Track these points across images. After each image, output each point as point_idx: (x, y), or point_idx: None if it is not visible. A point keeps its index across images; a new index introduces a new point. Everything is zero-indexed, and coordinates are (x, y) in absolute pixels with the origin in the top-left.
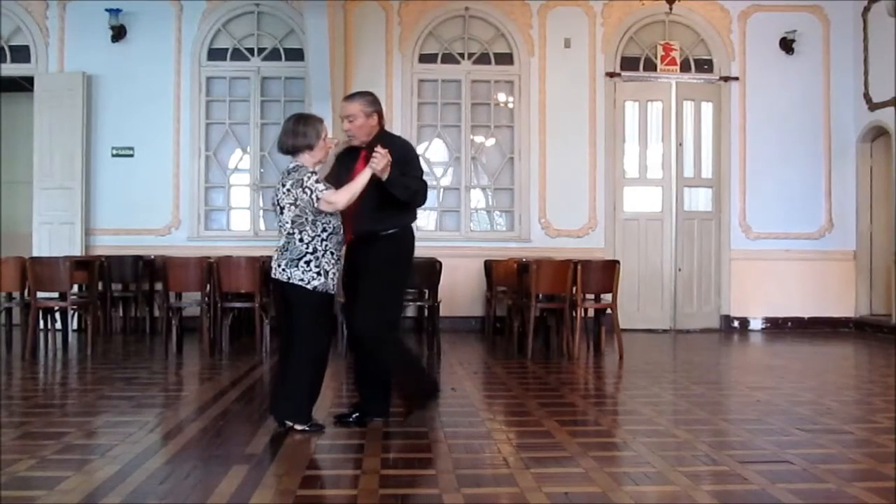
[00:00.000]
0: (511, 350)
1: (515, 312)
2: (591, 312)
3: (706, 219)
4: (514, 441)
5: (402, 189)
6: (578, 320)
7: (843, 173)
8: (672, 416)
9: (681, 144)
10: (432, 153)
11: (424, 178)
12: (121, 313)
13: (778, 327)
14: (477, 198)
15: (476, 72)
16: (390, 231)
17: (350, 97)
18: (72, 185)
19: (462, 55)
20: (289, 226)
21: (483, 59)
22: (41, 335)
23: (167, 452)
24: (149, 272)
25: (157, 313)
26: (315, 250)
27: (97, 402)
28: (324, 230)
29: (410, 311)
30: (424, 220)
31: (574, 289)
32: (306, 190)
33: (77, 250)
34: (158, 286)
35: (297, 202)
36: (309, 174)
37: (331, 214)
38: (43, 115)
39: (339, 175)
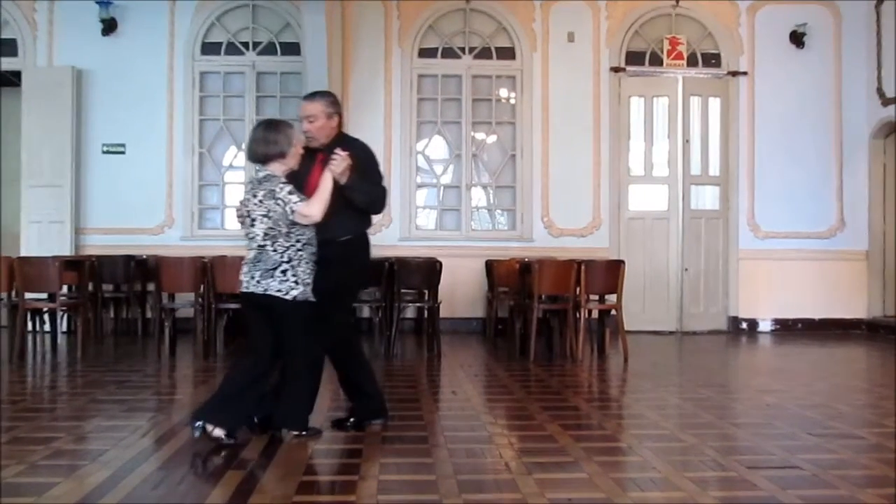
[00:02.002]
0: (513, 352)
1: (517, 314)
2: (594, 314)
3: (713, 217)
4: (517, 445)
5: (360, 195)
6: (582, 322)
7: (855, 170)
8: (678, 420)
9: (687, 141)
10: (432, 150)
11: (384, 184)
12: (112, 315)
13: (787, 329)
14: (478, 196)
15: (477, 67)
16: (346, 238)
17: (311, 96)
18: (61, 183)
19: (463, 50)
20: (260, 238)
21: (484, 53)
22: (29, 337)
23: (160, 458)
24: (141, 272)
25: (149, 315)
26: (290, 259)
27: (88, 406)
28: (297, 241)
29: (410, 313)
30: (424, 219)
31: (577, 289)
32: (279, 202)
33: (67, 250)
34: (151, 287)
35: (270, 214)
36: (281, 185)
37: (304, 226)
38: (31, 111)
39: (295, 179)
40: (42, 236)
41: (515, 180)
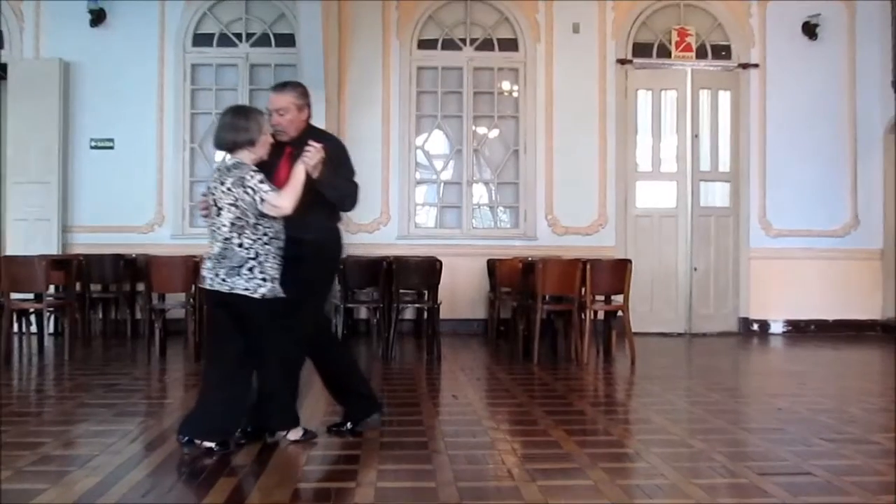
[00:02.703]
0: (516, 355)
1: (520, 315)
2: (600, 315)
3: (723, 215)
4: (519, 451)
5: (333, 190)
6: (587, 323)
7: (870, 167)
8: (687, 424)
9: (696, 136)
10: (432, 145)
11: (356, 180)
12: (100, 316)
13: (800, 330)
14: (479, 193)
15: (478, 59)
16: (316, 236)
17: (281, 88)
18: (48, 180)
19: (464, 41)
20: (226, 229)
21: (486, 45)
22: (15, 339)
23: (150, 464)
24: (130, 272)
25: (139, 315)
26: (257, 255)
27: (76, 410)
28: (265, 234)
29: (409, 314)
30: (424, 216)
31: (583, 290)
32: (248, 190)
33: (54, 249)
34: (140, 287)
35: (238, 203)
36: (251, 173)
37: (273, 218)
38: (17, 105)
39: (262, 172)
40: (28, 235)
41: (518, 176)
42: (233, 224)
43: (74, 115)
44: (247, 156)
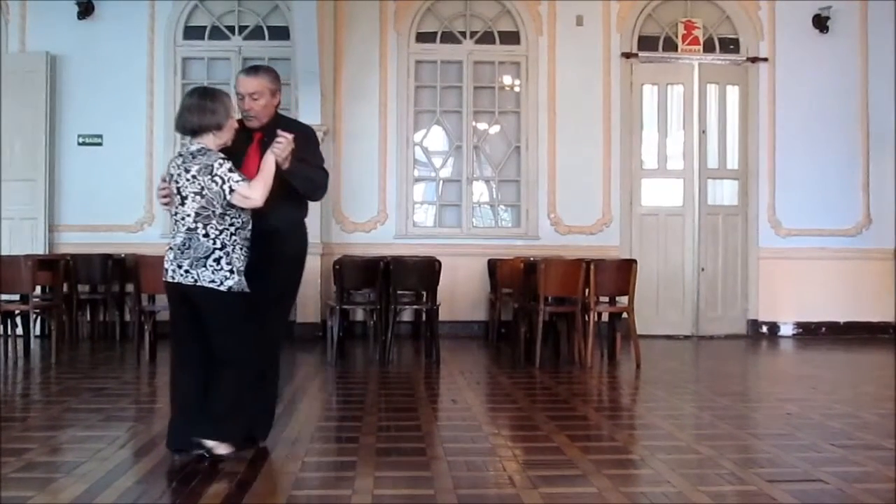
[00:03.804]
0: (517, 358)
1: (522, 317)
2: (605, 317)
3: (732, 214)
4: (521, 458)
5: (304, 181)
6: (591, 325)
7: (883, 164)
8: (694, 430)
9: (704, 132)
10: (431, 141)
11: (325, 168)
12: (88, 317)
13: (810, 333)
14: (480, 191)
15: (479, 52)
16: (286, 228)
17: (253, 71)
18: (34, 177)
19: (463, 34)
20: (190, 219)
21: (486, 38)
22: (0, 341)
23: (139, 470)
24: (119, 272)
25: (128, 317)
26: (224, 245)
27: (62, 414)
28: (232, 224)
29: (407, 316)
30: (422, 215)
31: (586, 291)
32: (216, 179)
33: (40, 248)
34: (130, 288)
35: (204, 192)
36: (220, 161)
37: (240, 208)
38: (2, 100)
39: (229, 159)
40: (14, 234)
41: (520, 174)
42: (197, 214)
43: (61, 111)
44: (212, 140)
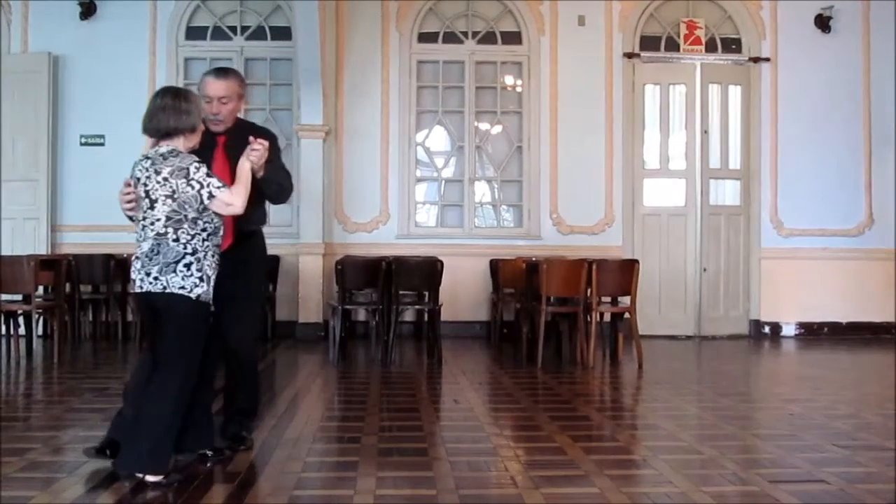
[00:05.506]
0: (519, 358)
1: (524, 317)
2: (607, 317)
3: (734, 214)
4: (523, 458)
5: (274, 186)
6: (593, 325)
7: (885, 164)
8: (696, 431)
9: (706, 132)
10: (433, 141)
11: (288, 170)
12: (90, 317)
13: (813, 333)
14: (482, 191)
15: (481, 52)
16: (255, 232)
17: (223, 73)
18: (36, 177)
19: (465, 34)
20: (160, 224)
21: (488, 38)
22: (2, 341)
23: None
24: (121, 272)
25: (130, 317)
26: (196, 251)
27: (65, 415)
28: (204, 229)
29: (409, 316)
30: (424, 215)
31: (588, 291)
32: (193, 183)
33: (42, 248)
34: (132, 288)
35: (176, 196)
36: (196, 164)
37: (214, 213)
38: (4, 100)
39: None
40: (16, 234)
41: (522, 174)
42: (168, 218)
43: (63, 111)
44: (182, 143)
